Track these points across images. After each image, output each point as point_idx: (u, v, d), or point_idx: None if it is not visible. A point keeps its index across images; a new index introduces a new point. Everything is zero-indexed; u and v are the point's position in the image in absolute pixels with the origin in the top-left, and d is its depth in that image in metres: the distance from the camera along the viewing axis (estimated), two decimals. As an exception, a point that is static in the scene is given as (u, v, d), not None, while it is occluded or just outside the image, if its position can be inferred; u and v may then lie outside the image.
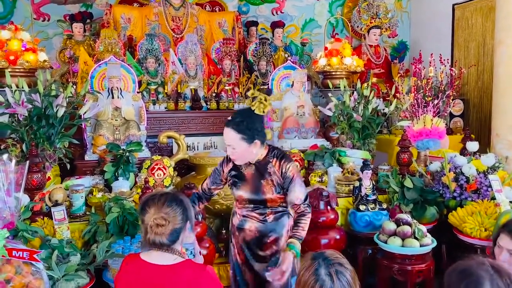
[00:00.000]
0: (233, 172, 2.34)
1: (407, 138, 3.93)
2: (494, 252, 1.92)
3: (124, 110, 4.02)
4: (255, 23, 6.36)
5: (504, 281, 1.30)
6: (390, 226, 2.97)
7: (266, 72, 5.56)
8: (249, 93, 2.39)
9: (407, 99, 4.34)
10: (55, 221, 2.65)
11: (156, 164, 3.57)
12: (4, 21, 5.50)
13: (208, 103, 4.99)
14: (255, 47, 5.76)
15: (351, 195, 3.50)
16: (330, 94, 4.63)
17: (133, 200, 3.11)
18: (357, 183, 3.42)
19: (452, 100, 4.64)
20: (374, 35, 6.28)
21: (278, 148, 2.38)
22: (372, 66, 6.20)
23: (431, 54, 4.45)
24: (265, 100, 2.26)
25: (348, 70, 5.30)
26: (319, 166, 3.91)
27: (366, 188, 3.35)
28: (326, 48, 5.46)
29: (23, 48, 4.06)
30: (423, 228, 2.94)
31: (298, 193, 2.27)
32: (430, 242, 2.91)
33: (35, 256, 1.97)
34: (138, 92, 4.34)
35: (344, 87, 4.61)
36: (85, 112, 3.60)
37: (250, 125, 2.18)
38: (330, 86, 4.82)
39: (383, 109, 4.59)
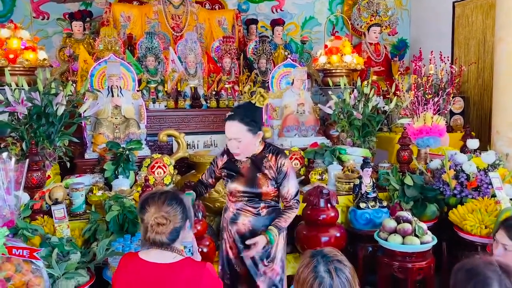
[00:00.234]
0: (228, 165, 2.40)
1: (407, 135, 3.92)
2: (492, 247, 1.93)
3: (124, 108, 4.02)
4: (255, 21, 6.35)
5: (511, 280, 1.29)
6: (391, 223, 2.97)
7: (266, 70, 5.55)
8: (246, 89, 2.48)
9: (407, 97, 4.34)
10: (55, 220, 2.65)
11: (156, 163, 3.57)
12: (3, 19, 5.49)
13: (208, 101, 4.99)
14: (255, 45, 5.75)
15: (351, 193, 3.50)
16: (330, 92, 4.63)
17: (133, 199, 3.11)
18: (357, 181, 3.42)
19: (453, 97, 4.64)
20: (374, 33, 6.27)
21: (273, 145, 2.46)
22: (372, 64, 6.20)
23: (431, 51, 4.45)
24: (265, 93, 2.43)
25: (348, 68, 5.29)
26: (319, 164, 3.90)
27: (366, 186, 3.35)
28: (326, 46, 5.45)
29: (23, 47, 4.06)
30: (424, 226, 2.94)
31: (290, 188, 2.36)
32: (430, 239, 2.91)
33: (35, 254, 1.97)
34: (138, 91, 4.33)
35: (344, 85, 4.60)
36: (85, 111, 3.60)
37: (254, 117, 2.29)
38: (330, 84, 4.81)
39: (383, 107, 4.58)
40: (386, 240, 2.92)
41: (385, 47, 6.52)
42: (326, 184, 3.64)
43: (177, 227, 1.67)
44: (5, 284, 1.92)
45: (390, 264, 2.95)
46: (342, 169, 3.87)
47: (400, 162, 3.87)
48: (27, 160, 2.56)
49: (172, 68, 4.82)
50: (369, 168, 3.35)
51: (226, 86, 5.16)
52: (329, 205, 3.16)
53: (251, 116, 2.27)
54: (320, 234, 3.07)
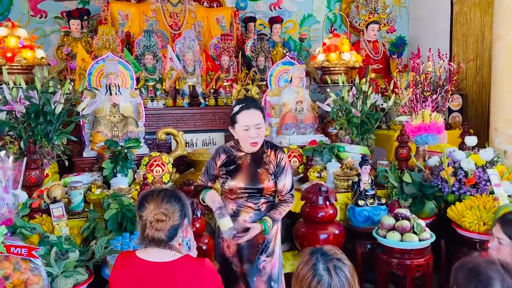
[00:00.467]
0: (227, 163, 2.37)
1: (406, 133, 3.92)
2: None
3: (122, 106, 4.01)
4: (253, 19, 6.34)
5: None
6: (389, 221, 2.97)
7: (264, 68, 5.55)
8: (238, 87, 2.52)
9: (405, 94, 4.33)
10: (53, 218, 2.64)
11: (155, 161, 3.57)
12: (1, 18, 5.48)
13: (207, 100, 4.99)
14: (253, 43, 5.75)
15: (350, 190, 3.51)
16: (328, 90, 4.63)
17: (131, 197, 3.10)
18: (355, 179, 3.42)
19: (451, 95, 4.64)
20: (373, 30, 6.27)
21: (269, 141, 2.49)
22: (370, 61, 6.20)
23: (429, 49, 4.44)
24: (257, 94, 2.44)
25: (347, 66, 5.29)
26: (318, 162, 3.91)
27: (365, 183, 3.35)
28: (324, 44, 5.45)
29: (20, 45, 4.04)
30: (422, 223, 2.95)
31: (287, 182, 2.39)
32: (429, 236, 2.92)
33: (33, 252, 1.97)
34: (136, 89, 4.33)
35: (343, 83, 4.60)
36: (83, 109, 3.59)
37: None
38: (329, 81, 4.81)
39: (382, 105, 4.58)
40: (384, 237, 2.92)
41: (384, 45, 6.51)
42: (325, 182, 3.64)
43: (175, 224, 1.67)
44: (4, 283, 1.92)
45: (389, 261, 2.95)
46: (341, 167, 3.87)
47: (398, 160, 3.87)
48: (25, 158, 2.55)
49: (170, 66, 4.82)
50: (368, 165, 3.35)
51: (225, 84, 5.16)
52: (327, 202, 3.16)
53: (261, 105, 2.37)
54: (318, 232, 3.07)
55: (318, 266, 1.38)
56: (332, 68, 5.29)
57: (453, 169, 3.44)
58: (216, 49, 5.44)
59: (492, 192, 3.23)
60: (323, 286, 1.34)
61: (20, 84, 3.38)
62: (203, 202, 2.37)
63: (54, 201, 2.79)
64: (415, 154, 4.00)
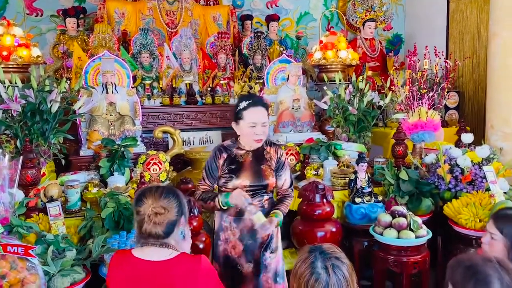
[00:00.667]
0: (228, 162, 2.35)
1: (402, 130, 3.93)
2: None
3: (119, 105, 4.00)
4: (250, 17, 6.34)
5: (511, 277, 1.29)
6: (386, 218, 2.98)
7: (261, 66, 5.54)
8: (236, 88, 2.52)
9: (402, 92, 4.34)
10: (50, 217, 2.64)
11: (152, 159, 3.57)
12: (-4, 16, 5.46)
13: (203, 98, 4.98)
14: (250, 41, 5.74)
15: (346, 188, 3.52)
16: (325, 88, 4.63)
17: (128, 195, 3.10)
18: (352, 176, 3.43)
19: (447, 92, 4.65)
20: (369, 28, 6.27)
21: (267, 138, 2.47)
22: (367, 59, 6.20)
23: (426, 46, 4.45)
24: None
25: (343, 64, 5.29)
26: (314, 160, 3.91)
27: (361, 180, 3.36)
28: (321, 42, 5.45)
29: (16, 44, 4.03)
30: (419, 220, 2.96)
31: (287, 178, 2.45)
32: (425, 233, 2.93)
33: (30, 251, 1.97)
34: (132, 87, 4.32)
35: (339, 81, 4.60)
36: (79, 108, 3.58)
37: None
38: (325, 79, 4.82)
39: (378, 102, 4.59)
40: (381, 234, 2.93)
41: (380, 42, 6.52)
42: (322, 180, 3.65)
43: (173, 220, 1.68)
44: (0, 282, 1.91)
45: (386, 259, 2.96)
46: (338, 164, 3.88)
47: (395, 157, 3.88)
48: (21, 157, 2.55)
49: (167, 64, 4.81)
50: (364, 163, 3.36)
51: (221, 82, 5.15)
52: (324, 200, 3.16)
53: (266, 103, 2.38)
54: (316, 229, 3.08)
55: (316, 264, 1.38)
56: (329, 66, 5.29)
57: (450, 166, 3.45)
58: (213, 47, 5.43)
59: (488, 189, 3.24)
60: (321, 284, 1.34)
61: (16, 83, 3.37)
62: (225, 206, 2.30)
63: (51, 200, 2.78)
64: (411, 151, 4.01)
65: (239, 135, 2.39)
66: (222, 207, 2.30)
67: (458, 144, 4.04)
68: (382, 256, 2.98)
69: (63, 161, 3.52)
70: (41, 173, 3.24)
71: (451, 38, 6.17)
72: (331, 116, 4.50)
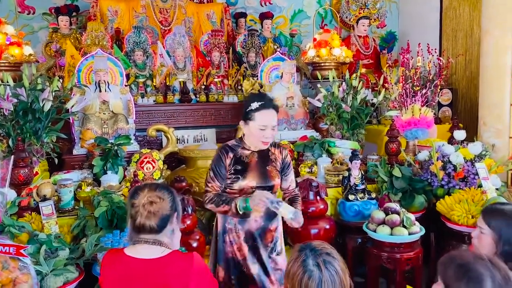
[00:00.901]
0: (234, 163, 2.29)
1: (396, 127, 3.95)
2: None
3: (112, 103, 3.99)
4: (244, 15, 6.32)
5: (502, 275, 1.29)
6: (379, 215, 3.00)
7: (255, 64, 5.53)
8: (247, 86, 2.44)
9: (395, 89, 4.36)
10: (43, 216, 2.62)
11: (145, 158, 3.56)
12: (-12, 14, 5.41)
13: (197, 96, 4.97)
14: (244, 39, 5.73)
15: (340, 185, 3.53)
16: (319, 85, 4.64)
17: (122, 194, 3.09)
18: (346, 173, 3.44)
19: (440, 89, 4.67)
20: (363, 25, 6.28)
21: None
22: (361, 56, 6.21)
23: (419, 44, 4.46)
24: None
25: (337, 61, 5.29)
26: (308, 157, 3.92)
27: (355, 178, 3.37)
28: (315, 39, 5.45)
29: (8, 42, 4.00)
30: (412, 217, 2.97)
31: (293, 178, 2.46)
32: (418, 230, 2.94)
33: (22, 251, 1.96)
34: (126, 85, 4.30)
35: (333, 78, 4.61)
36: (72, 106, 3.56)
37: None
38: (319, 77, 4.82)
39: (372, 100, 4.60)
40: (374, 231, 2.95)
41: (374, 40, 6.53)
42: (316, 177, 3.66)
43: (167, 214, 1.68)
44: (-8, 282, 1.91)
45: (379, 255, 2.98)
46: (331, 162, 3.89)
47: (388, 154, 3.90)
48: (12, 156, 2.53)
49: (160, 62, 4.79)
50: (358, 160, 3.37)
51: (216, 80, 5.14)
52: (318, 197, 3.18)
53: (277, 104, 2.31)
54: (309, 227, 3.09)
55: (307, 262, 1.38)
56: (322, 64, 5.29)
57: (442, 163, 3.47)
58: (207, 45, 5.41)
59: (480, 186, 3.26)
60: (314, 281, 1.34)
61: (7, 82, 3.35)
62: (242, 211, 2.18)
63: (44, 199, 2.77)
64: (405, 148, 4.03)
65: (244, 134, 2.34)
66: (239, 211, 2.18)
67: (451, 141, 4.06)
68: (376, 253, 3.00)
69: (56, 160, 3.50)
70: (34, 172, 3.22)
71: (444, 36, 6.19)
72: (325, 113, 4.51)
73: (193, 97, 4.94)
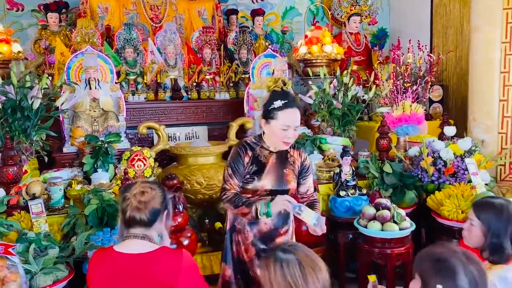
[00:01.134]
0: (254, 161, 2.20)
1: (386, 124, 3.96)
2: None
3: (102, 101, 3.96)
4: (235, 11, 6.30)
5: (476, 269, 1.33)
6: (370, 210, 3.01)
7: (247, 61, 5.52)
8: (270, 83, 2.36)
9: (386, 86, 4.37)
10: (32, 215, 2.60)
11: (136, 155, 3.54)
12: (-25, 11, 5.34)
13: (189, 93, 4.95)
14: (235, 36, 5.71)
15: (331, 181, 3.53)
16: (310, 82, 4.64)
17: (112, 192, 3.08)
18: (337, 170, 3.45)
19: (431, 86, 4.70)
20: (354, 22, 6.28)
21: None
22: (352, 53, 6.22)
23: (409, 40, 4.48)
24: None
25: (329, 58, 5.30)
26: (300, 154, 3.92)
27: (346, 174, 3.38)
28: (306, 36, 5.45)
29: (-4, 39, 3.97)
30: (402, 212, 2.99)
31: (311, 183, 2.36)
32: (409, 225, 2.96)
33: (10, 250, 1.94)
34: (116, 83, 4.28)
35: (324, 75, 4.61)
36: (62, 104, 3.54)
37: None
38: (310, 74, 4.82)
39: (363, 96, 4.62)
40: (365, 227, 2.96)
41: (365, 37, 6.54)
42: (307, 174, 3.66)
43: (157, 208, 1.69)
44: (-20, 281, 1.89)
45: (370, 251, 2.99)
46: (323, 158, 3.90)
47: (379, 150, 3.92)
48: (1, 154, 2.50)
49: (151, 59, 4.77)
50: (349, 156, 3.38)
51: (207, 77, 5.13)
52: (309, 194, 3.17)
53: (299, 103, 2.23)
54: (301, 223, 3.07)
55: (277, 255, 1.38)
56: (314, 61, 5.29)
57: (433, 159, 3.50)
58: (198, 42, 5.39)
59: (470, 181, 3.29)
60: (291, 263, 1.34)
61: (-4, 79, 3.31)
62: (262, 216, 2.10)
63: (33, 197, 2.75)
64: (396, 145, 4.05)
65: (263, 133, 2.23)
66: (259, 216, 2.10)
67: (442, 137, 4.09)
68: (367, 248, 3.01)
69: (46, 158, 3.47)
70: (23, 171, 3.19)
71: (435, 32, 6.22)
72: (316, 110, 4.51)
73: (184, 94, 4.92)
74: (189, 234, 2.93)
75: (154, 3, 5.66)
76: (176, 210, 2.88)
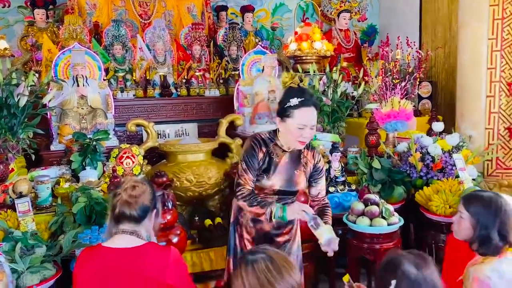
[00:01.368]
0: (266, 159, 2.14)
1: (375, 120, 3.98)
2: None
3: (90, 98, 3.93)
4: (225, 8, 6.28)
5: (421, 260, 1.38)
6: (359, 206, 3.02)
7: (237, 57, 5.51)
8: (288, 78, 2.30)
9: (375, 82, 4.39)
10: (19, 213, 2.57)
11: (125, 153, 3.51)
12: (-40, 8, 5.26)
13: (178, 90, 4.93)
14: (225, 32, 5.69)
15: (321, 177, 3.54)
16: (300, 79, 4.63)
17: (101, 190, 3.06)
18: (326, 166, 3.45)
19: (420, 82, 4.72)
20: (344, 19, 6.29)
21: None
22: (342, 50, 6.23)
23: (398, 37, 4.50)
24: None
25: (318, 55, 5.30)
26: (290, 150, 3.93)
27: (335, 170, 3.40)
28: (296, 33, 5.45)
29: (-19, 36, 3.91)
30: (390, 208, 3.00)
31: (323, 186, 2.30)
32: (397, 221, 2.98)
33: (-5, 249, 1.92)
34: (105, 80, 4.24)
35: (314, 72, 4.62)
36: (49, 101, 3.50)
37: None
38: (300, 70, 4.82)
39: (352, 93, 4.63)
40: (354, 222, 2.97)
41: (355, 33, 6.56)
42: (297, 170, 3.67)
43: (147, 205, 1.69)
44: (-36, 281, 1.87)
45: (360, 246, 3.00)
46: (313, 155, 3.90)
47: (368, 146, 3.94)
48: (-14, 152, 2.48)
49: (140, 56, 4.73)
50: (338, 152, 3.40)
51: (197, 74, 5.11)
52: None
53: (317, 102, 2.13)
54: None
55: (246, 257, 1.34)
56: (304, 57, 5.29)
57: (421, 154, 3.52)
58: (187, 38, 5.37)
59: (457, 176, 3.32)
60: (261, 261, 1.30)
61: (-19, 76, 3.26)
62: (276, 219, 2.05)
63: (20, 196, 2.72)
64: (384, 141, 4.07)
65: (278, 130, 2.15)
66: (273, 219, 2.05)
67: (430, 132, 4.12)
68: (356, 244, 3.02)
69: (33, 156, 3.43)
70: (10, 169, 3.15)
71: (423, 29, 6.25)
72: (306, 107, 4.51)
73: (174, 91, 4.90)
74: (178, 232, 2.92)
75: (143, 0, 5.62)
76: (166, 208, 2.86)
